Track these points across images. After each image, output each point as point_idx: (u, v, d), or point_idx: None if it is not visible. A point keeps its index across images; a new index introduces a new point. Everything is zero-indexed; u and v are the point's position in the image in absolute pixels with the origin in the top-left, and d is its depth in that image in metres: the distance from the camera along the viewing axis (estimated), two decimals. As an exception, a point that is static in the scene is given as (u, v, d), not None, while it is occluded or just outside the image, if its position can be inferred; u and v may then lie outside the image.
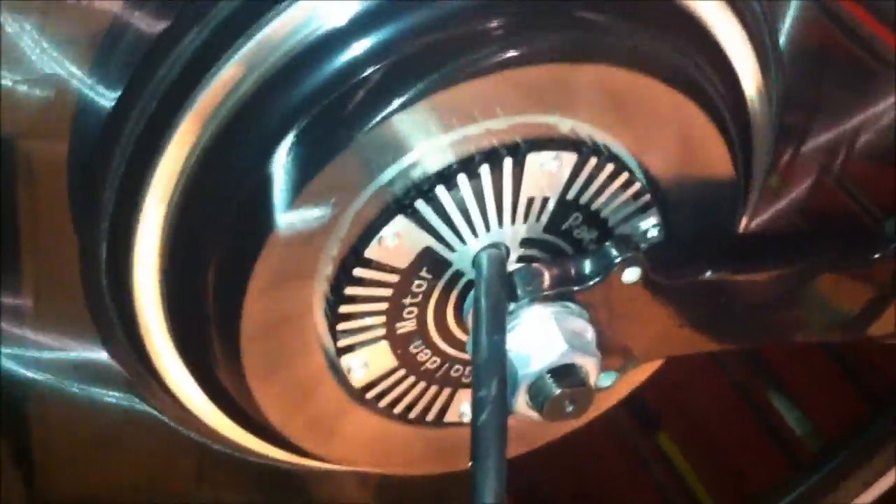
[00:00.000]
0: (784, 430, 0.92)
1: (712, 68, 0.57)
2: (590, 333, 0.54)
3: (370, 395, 0.57)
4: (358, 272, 0.52)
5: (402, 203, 0.51)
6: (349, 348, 0.55)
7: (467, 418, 0.61)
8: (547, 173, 0.53)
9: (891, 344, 0.61)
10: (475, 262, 0.53)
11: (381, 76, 0.49)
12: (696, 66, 0.55)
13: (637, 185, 0.55)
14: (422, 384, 0.59)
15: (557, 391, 0.52)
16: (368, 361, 0.56)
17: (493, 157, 0.52)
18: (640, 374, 0.66)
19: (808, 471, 0.88)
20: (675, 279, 0.55)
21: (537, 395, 0.52)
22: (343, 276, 0.53)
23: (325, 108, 0.50)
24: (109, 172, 0.54)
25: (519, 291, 0.53)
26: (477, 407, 0.49)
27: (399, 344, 0.56)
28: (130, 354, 0.61)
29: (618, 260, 0.53)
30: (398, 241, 0.52)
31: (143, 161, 0.53)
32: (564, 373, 0.52)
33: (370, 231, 0.52)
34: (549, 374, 0.52)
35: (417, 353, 0.57)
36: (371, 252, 0.52)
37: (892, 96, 0.71)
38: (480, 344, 0.50)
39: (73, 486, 0.71)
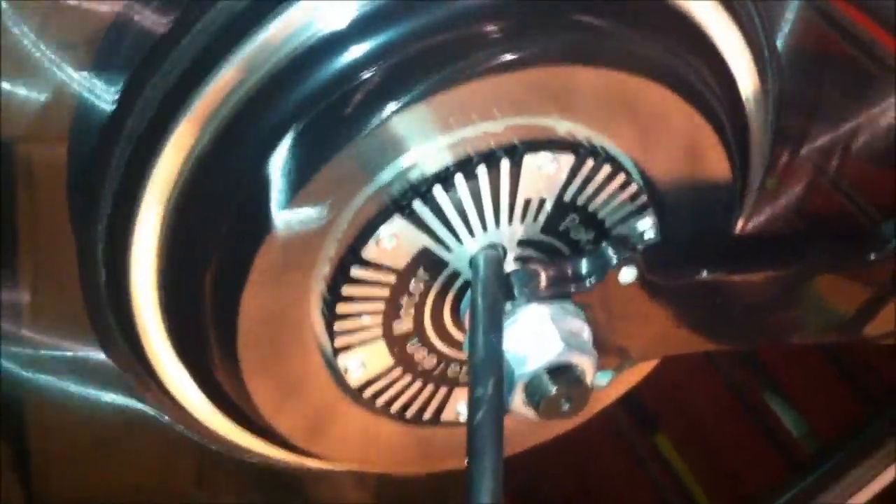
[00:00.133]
0: (780, 432, 0.92)
1: (709, 70, 0.57)
2: (586, 333, 0.54)
3: (367, 394, 0.58)
4: (355, 272, 0.53)
5: (399, 204, 0.52)
6: (346, 347, 0.55)
7: (463, 417, 0.61)
8: (544, 175, 0.53)
9: (887, 344, 0.61)
10: (472, 263, 0.54)
11: (379, 78, 0.50)
12: (693, 68, 0.56)
13: (634, 187, 0.55)
14: (418, 383, 0.59)
15: (554, 390, 0.52)
16: (365, 361, 0.56)
17: (490, 158, 0.52)
18: (635, 374, 0.66)
19: (804, 472, 0.88)
20: (672, 280, 0.55)
21: (534, 393, 0.52)
22: (340, 276, 0.53)
23: (323, 110, 0.50)
24: (108, 174, 0.54)
25: (516, 291, 0.53)
26: (473, 406, 0.49)
27: (396, 343, 0.56)
28: (129, 355, 0.61)
29: (614, 260, 0.53)
30: (395, 241, 0.52)
31: (142, 162, 0.53)
32: (561, 372, 0.52)
33: (368, 231, 0.52)
34: (545, 373, 0.52)
35: (414, 353, 0.57)
36: (368, 252, 0.52)
37: (890, 99, 0.71)
38: (477, 343, 0.50)
39: (72, 487, 0.71)
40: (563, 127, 0.53)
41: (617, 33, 0.53)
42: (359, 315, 0.54)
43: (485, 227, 0.53)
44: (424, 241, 0.53)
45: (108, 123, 0.54)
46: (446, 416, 0.61)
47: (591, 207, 0.55)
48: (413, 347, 0.57)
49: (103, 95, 0.54)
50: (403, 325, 0.56)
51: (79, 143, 0.56)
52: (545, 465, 0.76)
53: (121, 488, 0.72)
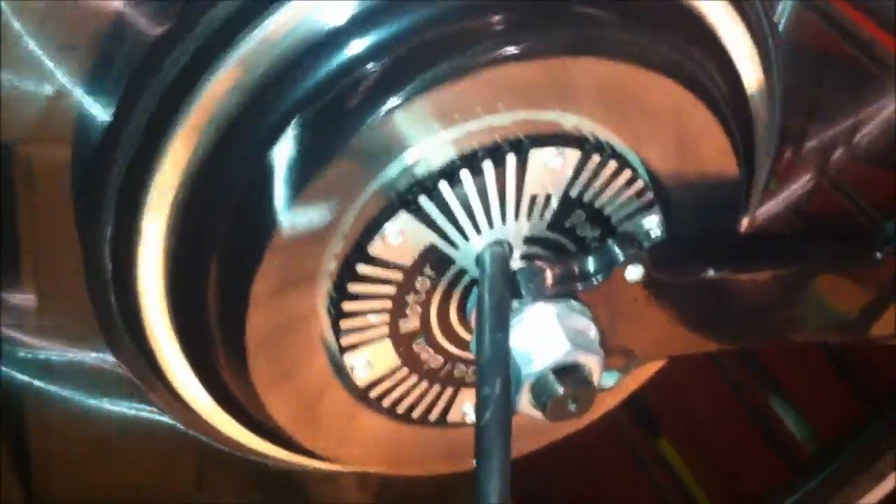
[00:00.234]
0: (781, 433, 0.92)
1: (714, 65, 0.57)
2: (593, 332, 0.54)
3: (373, 394, 0.57)
4: (361, 269, 0.52)
5: (405, 199, 0.51)
6: (352, 346, 0.55)
7: (469, 418, 0.60)
8: (550, 170, 0.53)
9: (888, 344, 0.61)
10: (479, 260, 0.53)
11: (382, 72, 0.50)
12: (699, 63, 0.56)
13: (640, 183, 0.55)
14: (424, 383, 0.58)
15: (561, 390, 0.51)
16: (371, 360, 0.56)
17: (496, 152, 0.52)
18: (636, 379, 0.66)
19: (806, 474, 0.88)
20: (678, 278, 0.55)
21: (540, 394, 0.52)
22: (347, 273, 0.52)
23: (326, 105, 0.50)
24: (111, 175, 0.54)
25: (522, 289, 0.53)
26: (481, 406, 0.48)
27: (402, 342, 0.56)
28: (136, 356, 0.61)
29: (621, 258, 0.53)
30: (402, 238, 0.52)
31: (145, 164, 0.53)
32: (568, 372, 0.52)
33: (374, 228, 0.52)
34: (552, 373, 0.52)
35: (420, 352, 0.57)
36: (375, 249, 0.52)
37: (890, 99, 0.71)
38: (484, 342, 0.50)
39: (72, 488, 0.70)
40: (569, 122, 0.53)
41: (623, 26, 0.53)
42: (365, 313, 0.54)
43: (491, 224, 0.53)
44: (431, 237, 0.53)
45: (109, 124, 0.54)
46: (452, 416, 0.60)
47: (597, 204, 0.55)
48: (419, 346, 0.57)
49: (103, 96, 0.54)
50: (409, 323, 0.56)
51: (81, 145, 0.55)
52: (544, 468, 0.75)
53: (121, 489, 0.72)
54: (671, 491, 0.94)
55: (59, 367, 0.64)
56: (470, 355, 0.58)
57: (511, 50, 0.49)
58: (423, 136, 0.50)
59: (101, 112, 0.54)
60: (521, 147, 0.52)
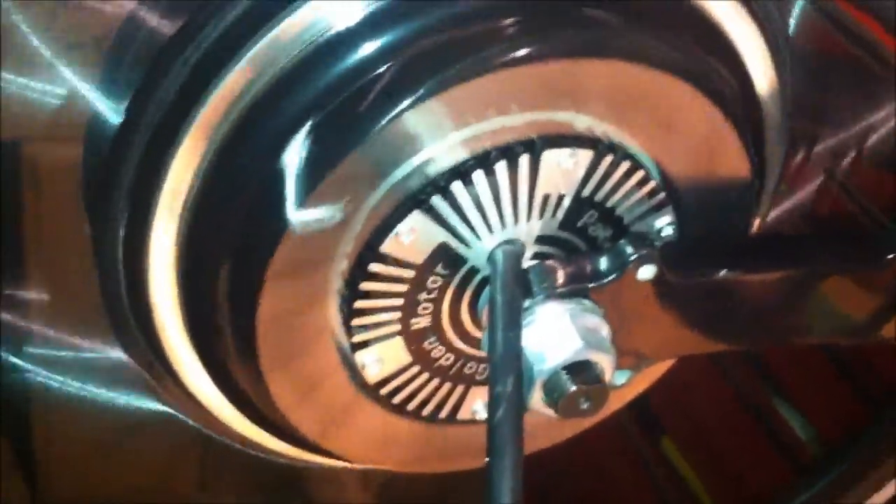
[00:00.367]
0: (784, 434, 0.92)
1: (726, 66, 0.57)
2: (605, 330, 0.54)
3: (384, 391, 0.57)
4: (373, 267, 0.52)
5: (417, 198, 0.51)
6: (363, 344, 0.55)
7: (480, 416, 0.61)
8: (563, 170, 0.53)
9: (888, 344, 0.61)
10: (490, 259, 0.53)
11: (395, 73, 0.49)
12: (710, 64, 0.56)
13: (652, 183, 0.55)
14: (435, 381, 0.58)
15: (573, 388, 0.51)
16: (382, 357, 0.56)
17: (509, 153, 0.52)
18: (643, 381, 0.66)
19: (809, 475, 0.88)
20: (690, 278, 0.55)
21: (552, 391, 0.52)
22: (358, 272, 0.52)
23: (339, 105, 0.50)
24: (123, 174, 0.54)
25: (534, 288, 0.53)
26: (493, 403, 0.48)
27: (413, 340, 0.56)
28: (146, 352, 0.61)
29: (633, 257, 0.53)
30: (414, 236, 0.52)
31: (156, 163, 0.53)
32: (579, 370, 0.52)
33: (386, 226, 0.52)
34: (564, 371, 0.52)
35: (432, 350, 0.57)
36: (387, 247, 0.52)
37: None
38: (496, 340, 0.50)
39: (75, 488, 0.70)
40: (582, 122, 0.52)
41: (635, 28, 0.53)
42: (376, 311, 0.54)
43: (503, 223, 0.53)
44: (443, 236, 0.53)
45: (121, 124, 0.54)
46: (462, 414, 0.60)
47: (609, 204, 0.55)
48: (430, 344, 0.57)
49: (115, 97, 0.54)
50: (421, 321, 0.55)
51: (92, 145, 0.55)
52: (547, 468, 0.75)
53: (122, 489, 0.72)
54: (675, 492, 0.94)
55: (67, 364, 0.63)
56: (481, 353, 0.58)
57: (524, 51, 0.49)
58: (437, 136, 0.50)
59: (111, 113, 0.54)
60: (534, 148, 0.52)
